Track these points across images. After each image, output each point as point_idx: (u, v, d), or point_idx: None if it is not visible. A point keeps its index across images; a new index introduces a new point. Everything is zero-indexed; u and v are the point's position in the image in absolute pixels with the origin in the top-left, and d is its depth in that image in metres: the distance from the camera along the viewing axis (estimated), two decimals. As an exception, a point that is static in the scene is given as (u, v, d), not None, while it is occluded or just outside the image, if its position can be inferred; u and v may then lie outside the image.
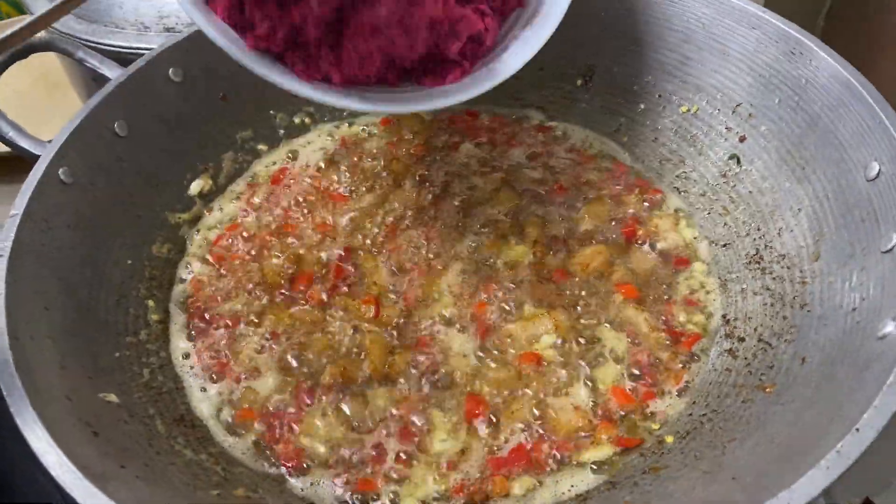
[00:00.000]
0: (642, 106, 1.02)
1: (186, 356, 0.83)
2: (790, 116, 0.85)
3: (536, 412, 0.75)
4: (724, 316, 0.83)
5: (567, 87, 1.07)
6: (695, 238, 0.91)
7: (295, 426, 0.76)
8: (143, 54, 0.92)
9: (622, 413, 0.75)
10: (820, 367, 0.69)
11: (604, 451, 0.72)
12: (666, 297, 0.85)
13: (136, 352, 0.80)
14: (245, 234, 0.95)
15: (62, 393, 0.66)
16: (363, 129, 1.08)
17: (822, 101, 0.81)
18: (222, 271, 0.91)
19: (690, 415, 0.75)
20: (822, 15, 1.23)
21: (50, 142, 0.82)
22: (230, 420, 0.78)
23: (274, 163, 1.04)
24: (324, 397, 0.77)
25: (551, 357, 0.79)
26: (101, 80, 0.91)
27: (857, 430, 0.54)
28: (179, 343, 0.84)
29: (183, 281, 0.91)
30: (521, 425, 0.75)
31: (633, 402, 0.76)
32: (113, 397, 0.72)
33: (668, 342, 0.81)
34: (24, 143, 0.86)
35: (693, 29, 0.95)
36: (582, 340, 0.81)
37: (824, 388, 0.66)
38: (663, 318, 0.83)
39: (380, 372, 0.78)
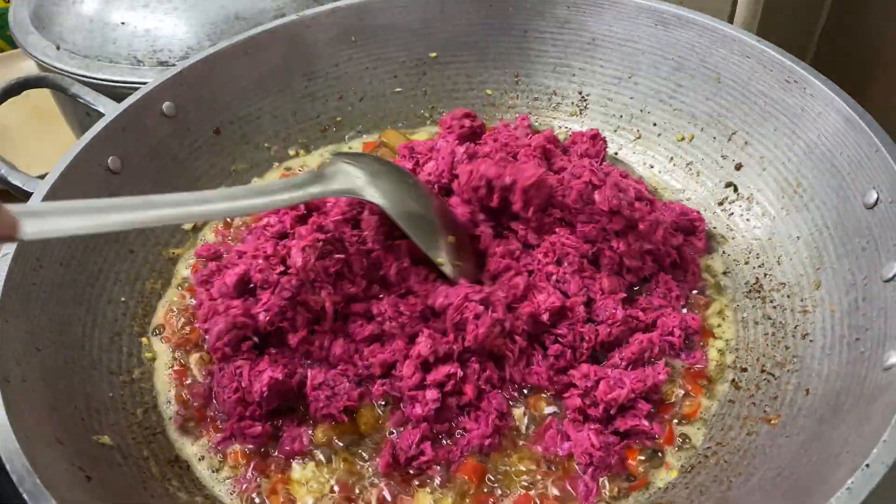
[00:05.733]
0: (638, 134, 1.02)
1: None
2: (786, 144, 0.85)
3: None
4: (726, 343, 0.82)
5: (562, 116, 1.07)
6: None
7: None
8: (136, 88, 0.92)
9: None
10: (824, 398, 0.68)
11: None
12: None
13: (129, 391, 0.78)
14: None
15: (54, 436, 0.65)
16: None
17: (819, 129, 0.81)
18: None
19: (694, 448, 0.74)
20: (816, 37, 1.24)
21: (42, 178, 0.81)
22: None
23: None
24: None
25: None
26: (94, 114, 0.91)
27: (868, 465, 0.53)
28: (164, 380, 0.81)
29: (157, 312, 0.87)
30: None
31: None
32: (107, 439, 0.70)
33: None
34: (15, 181, 0.85)
35: (686, 57, 0.95)
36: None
37: (830, 420, 0.65)
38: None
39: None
